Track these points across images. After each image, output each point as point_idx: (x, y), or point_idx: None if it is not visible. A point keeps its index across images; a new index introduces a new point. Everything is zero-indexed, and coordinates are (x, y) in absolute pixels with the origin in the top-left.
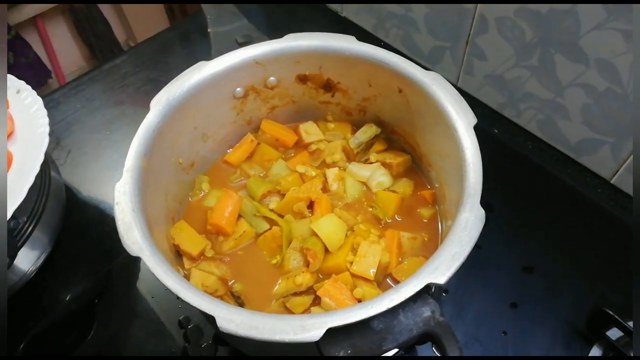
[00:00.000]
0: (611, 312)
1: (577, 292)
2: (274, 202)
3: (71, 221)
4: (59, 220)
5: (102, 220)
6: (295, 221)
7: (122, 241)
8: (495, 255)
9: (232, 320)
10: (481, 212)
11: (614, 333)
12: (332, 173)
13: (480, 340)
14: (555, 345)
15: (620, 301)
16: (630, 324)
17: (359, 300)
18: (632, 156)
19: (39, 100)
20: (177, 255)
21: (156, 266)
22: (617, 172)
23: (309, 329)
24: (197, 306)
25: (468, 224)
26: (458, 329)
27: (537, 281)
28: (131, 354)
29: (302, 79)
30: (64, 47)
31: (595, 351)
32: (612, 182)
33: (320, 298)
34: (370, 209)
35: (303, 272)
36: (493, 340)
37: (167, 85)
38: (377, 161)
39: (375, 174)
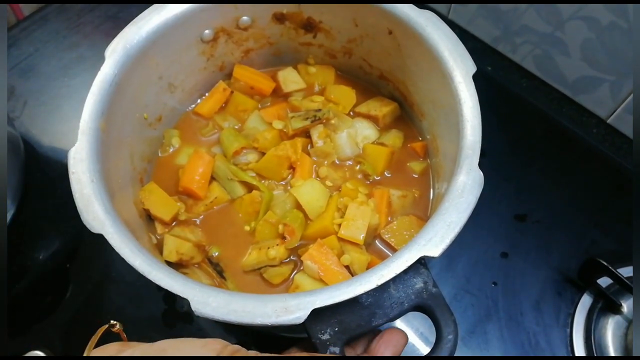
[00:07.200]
0: (602, 261)
1: (569, 239)
2: (250, 158)
3: (33, 179)
4: (19, 178)
5: (67, 176)
6: (276, 187)
7: (82, 217)
8: (487, 203)
9: (208, 303)
10: (479, 175)
11: (604, 281)
12: (316, 131)
13: (470, 291)
14: (545, 295)
15: (611, 247)
16: (621, 271)
17: (347, 268)
18: (632, 95)
19: None
20: (148, 220)
21: (121, 244)
22: (614, 111)
23: (292, 310)
24: (168, 288)
25: (465, 188)
26: (448, 281)
27: (529, 229)
28: (110, 318)
29: (280, 18)
30: None
31: (585, 299)
32: (608, 122)
33: (302, 264)
34: (358, 166)
35: (277, 244)
36: (483, 291)
37: (123, 30)
38: (360, 113)
39: (358, 127)
